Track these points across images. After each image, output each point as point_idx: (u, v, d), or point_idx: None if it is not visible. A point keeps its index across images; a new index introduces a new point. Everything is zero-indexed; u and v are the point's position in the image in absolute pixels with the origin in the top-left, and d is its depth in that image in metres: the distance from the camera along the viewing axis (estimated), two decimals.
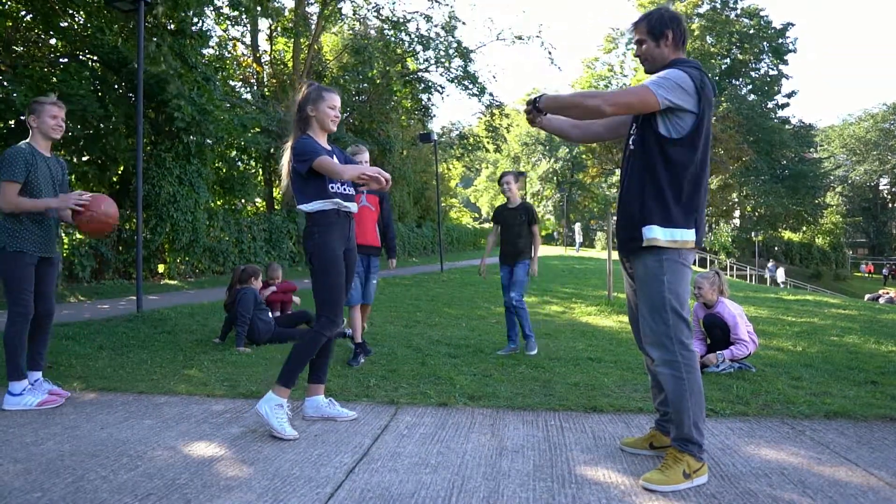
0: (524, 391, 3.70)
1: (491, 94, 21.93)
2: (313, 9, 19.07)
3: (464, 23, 21.45)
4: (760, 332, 5.79)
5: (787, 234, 46.00)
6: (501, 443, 2.79)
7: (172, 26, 11.08)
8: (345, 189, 3.09)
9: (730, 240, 36.99)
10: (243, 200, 16.37)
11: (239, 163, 16.16)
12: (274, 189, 18.95)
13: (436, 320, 6.94)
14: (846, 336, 6.10)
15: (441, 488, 2.26)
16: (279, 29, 18.25)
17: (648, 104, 2.29)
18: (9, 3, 10.08)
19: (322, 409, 3.15)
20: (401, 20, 19.79)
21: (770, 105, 43.51)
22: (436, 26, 20.20)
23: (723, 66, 41.60)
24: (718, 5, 41.20)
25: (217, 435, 2.88)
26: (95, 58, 11.09)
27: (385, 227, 4.92)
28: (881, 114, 52.82)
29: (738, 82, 43.01)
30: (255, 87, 18.78)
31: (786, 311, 8.34)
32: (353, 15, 20.20)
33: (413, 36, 20.14)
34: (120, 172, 11.53)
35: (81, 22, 11.26)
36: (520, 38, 21.60)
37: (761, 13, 41.65)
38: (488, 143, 24.69)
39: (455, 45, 20.45)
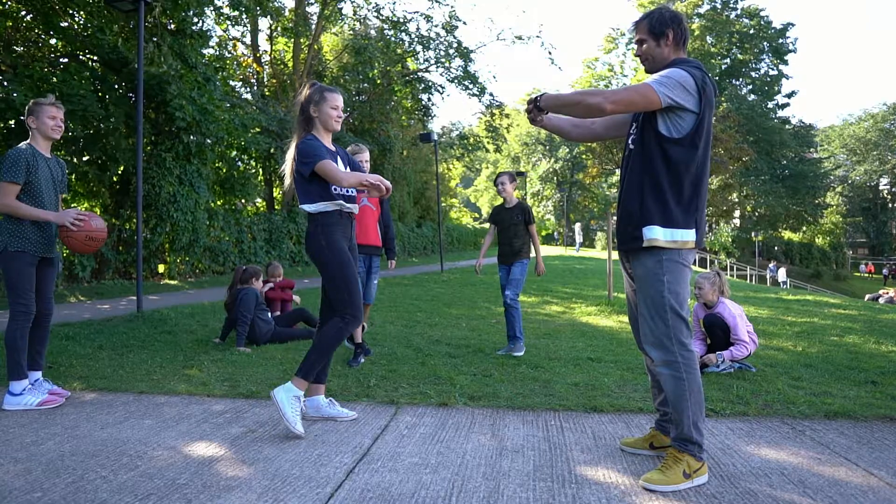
0: (524, 391, 3.70)
1: (491, 94, 21.96)
2: (313, 9, 19.10)
3: (464, 23, 21.45)
4: (760, 332, 5.79)
5: (787, 234, 46.02)
6: (501, 443, 2.79)
7: (172, 26, 11.08)
8: (347, 190, 3.09)
9: (730, 240, 37.00)
10: (243, 200, 16.36)
11: (239, 163, 16.15)
12: (274, 189, 18.94)
13: (436, 320, 6.94)
14: (846, 336, 6.10)
15: (441, 488, 2.26)
16: (279, 29, 18.24)
17: (650, 102, 2.28)
18: (9, 3, 10.08)
19: (322, 409, 3.15)
20: (401, 20, 19.80)
21: (770, 105, 43.56)
22: (436, 26, 20.23)
23: (723, 66, 41.64)
24: (718, 5, 41.24)
25: (217, 435, 2.88)
26: (95, 58, 11.09)
27: (385, 227, 4.93)
28: (881, 114, 52.82)
29: (738, 82, 43.05)
30: (256, 87, 18.78)
31: (786, 311, 8.34)
32: (354, 15, 20.23)
33: (413, 36, 20.16)
34: (120, 172, 11.53)
35: (81, 22, 11.25)
36: (520, 38, 21.63)
37: (761, 13, 41.72)
38: (488, 143, 24.70)
39: (455, 45, 20.46)
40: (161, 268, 11.80)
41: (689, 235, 2.34)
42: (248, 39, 19.16)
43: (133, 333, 5.69)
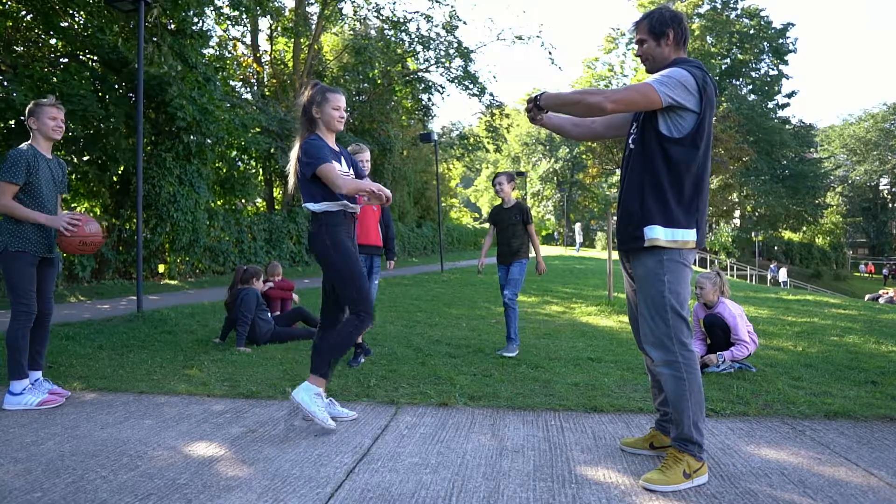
0: (524, 391, 3.70)
1: (491, 94, 21.97)
2: (313, 9, 19.10)
3: (465, 22, 21.47)
4: (760, 332, 5.79)
5: (787, 234, 46.02)
6: (501, 443, 2.79)
7: (172, 26, 11.08)
8: None
9: (730, 240, 37.00)
10: (243, 200, 16.36)
11: (239, 163, 16.16)
12: (274, 189, 18.94)
13: (436, 320, 6.94)
14: (846, 336, 6.10)
15: (441, 488, 2.26)
16: (279, 29, 18.24)
17: (651, 101, 2.28)
18: (9, 3, 10.08)
19: None
20: (401, 20, 19.81)
21: (770, 105, 43.58)
22: (436, 26, 20.24)
23: (723, 66, 41.65)
24: (719, 5, 41.25)
25: (217, 435, 2.88)
26: (95, 58, 11.09)
27: (385, 227, 4.93)
28: (881, 114, 52.83)
29: (738, 82, 43.06)
30: (256, 87, 18.78)
31: (786, 311, 8.34)
32: (354, 15, 20.23)
33: (413, 36, 20.16)
34: (120, 172, 11.53)
35: (81, 22, 11.25)
36: (520, 38, 21.64)
37: (761, 13, 41.73)
38: (488, 143, 24.71)
39: (455, 45, 20.47)
40: (161, 268, 11.80)
41: (690, 235, 2.34)
42: (248, 39, 19.19)
43: (133, 333, 5.69)
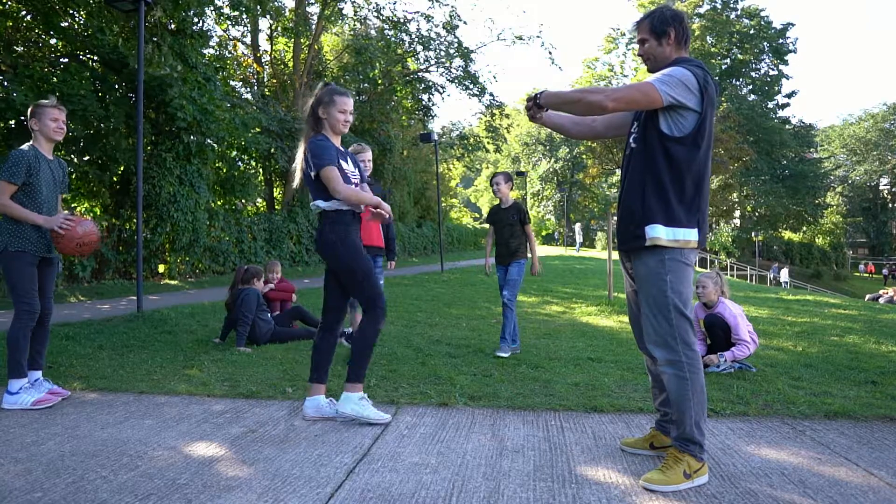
0: (524, 391, 3.70)
1: (491, 95, 21.98)
2: (314, 9, 19.09)
3: (465, 22, 21.49)
4: (760, 332, 5.79)
5: (787, 234, 46.02)
6: (502, 443, 2.79)
7: (173, 26, 11.08)
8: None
9: (730, 240, 37.01)
10: (244, 200, 16.36)
11: (239, 163, 16.15)
12: (274, 189, 18.94)
13: (436, 320, 6.94)
14: (846, 336, 6.10)
15: (441, 488, 2.26)
16: (279, 29, 18.24)
17: (652, 100, 2.28)
18: (9, 3, 10.08)
19: (323, 410, 3.15)
20: (401, 20, 19.80)
21: (770, 105, 43.58)
22: (436, 26, 20.24)
23: (723, 66, 41.65)
24: (719, 5, 41.25)
25: (217, 435, 2.88)
26: (96, 58, 11.09)
27: (386, 228, 4.94)
28: (881, 114, 52.84)
29: (738, 82, 43.05)
30: (256, 87, 18.78)
31: (786, 311, 8.34)
32: (354, 15, 20.22)
33: (413, 36, 20.16)
34: (120, 172, 11.53)
35: (82, 22, 11.25)
36: (520, 38, 21.64)
37: (761, 13, 41.73)
38: (488, 143, 24.72)
39: (455, 45, 20.47)
40: (161, 268, 11.80)
41: (691, 235, 2.33)
42: (248, 39, 19.18)
43: (133, 333, 5.69)
